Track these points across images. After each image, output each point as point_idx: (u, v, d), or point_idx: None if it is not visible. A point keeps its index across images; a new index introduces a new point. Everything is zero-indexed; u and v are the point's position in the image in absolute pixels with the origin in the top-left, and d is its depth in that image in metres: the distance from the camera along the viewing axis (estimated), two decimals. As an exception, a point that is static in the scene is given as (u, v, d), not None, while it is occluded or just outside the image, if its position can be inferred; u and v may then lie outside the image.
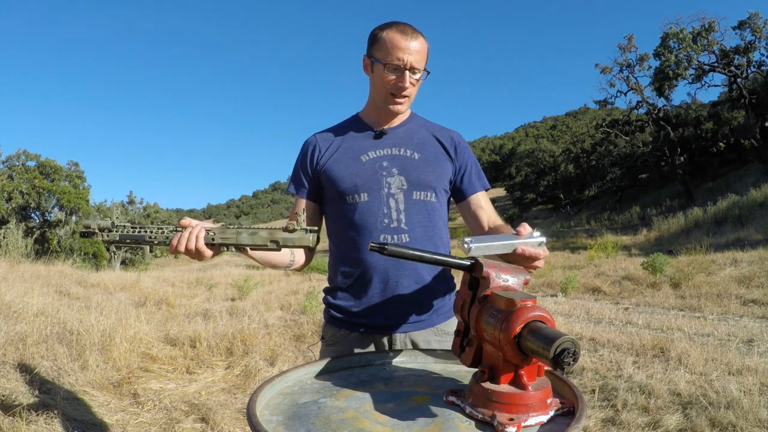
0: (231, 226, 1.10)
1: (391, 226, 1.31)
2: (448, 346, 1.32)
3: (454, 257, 0.96)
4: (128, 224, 1.12)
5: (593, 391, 3.45)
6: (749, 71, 22.65)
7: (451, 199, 1.48)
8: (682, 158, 25.50)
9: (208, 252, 1.09)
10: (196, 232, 1.08)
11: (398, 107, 1.36)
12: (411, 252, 0.92)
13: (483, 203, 1.42)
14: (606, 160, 28.77)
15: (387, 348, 1.35)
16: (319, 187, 1.42)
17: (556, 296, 8.37)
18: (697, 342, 4.49)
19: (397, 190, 1.34)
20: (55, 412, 2.77)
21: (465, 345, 0.92)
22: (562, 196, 34.56)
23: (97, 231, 1.10)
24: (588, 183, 32.03)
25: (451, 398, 0.89)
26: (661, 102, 25.20)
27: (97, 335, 4.02)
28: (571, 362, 0.69)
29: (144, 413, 3.13)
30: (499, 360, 0.82)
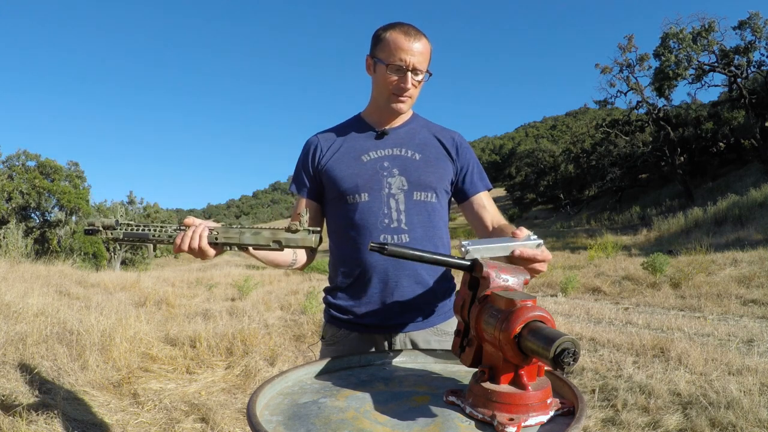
0: (234, 226, 1.11)
1: (392, 226, 1.32)
2: (448, 346, 1.32)
3: (454, 257, 0.96)
4: (132, 222, 1.12)
5: (593, 391, 3.45)
6: (749, 71, 22.66)
7: (454, 200, 1.48)
8: (682, 158, 25.50)
9: (211, 251, 1.09)
10: (200, 231, 1.08)
11: (400, 105, 1.36)
12: (411, 252, 0.92)
13: (486, 203, 1.42)
14: (606, 160, 28.78)
15: (387, 348, 1.35)
16: (321, 187, 1.42)
17: (556, 296, 8.37)
18: (697, 342, 4.49)
19: (398, 190, 1.34)
20: (55, 412, 2.77)
21: (465, 345, 0.92)
22: (562, 196, 34.57)
23: (101, 229, 1.10)
24: (588, 183, 32.04)
25: (451, 398, 0.89)
26: (661, 102, 25.23)
27: (97, 335, 4.02)
28: (571, 362, 0.69)
29: (144, 413, 3.13)
30: (499, 360, 0.82)
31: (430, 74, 1.36)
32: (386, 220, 1.32)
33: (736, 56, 22.34)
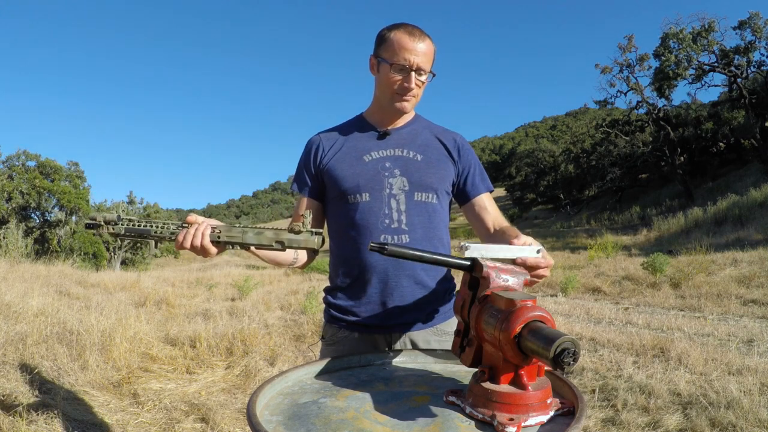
0: (237, 225, 1.11)
1: (392, 226, 1.32)
2: (448, 346, 1.32)
3: (454, 257, 0.95)
4: (134, 218, 1.12)
5: (593, 391, 3.45)
6: (749, 71, 22.65)
7: (455, 201, 1.48)
8: (682, 158, 25.51)
9: (213, 249, 1.09)
10: (202, 229, 1.08)
11: (404, 105, 1.36)
12: (411, 252, 0.92)
13: (487, 205, 1.42)
14: (606, 160, 28.79)
15: (387, 348, 1.35)
16: (322, 186, 1.42)
17: (556, 296, 8.38)
18: (697, 342, 4.49)
19: (399, 191, 1.34)
20: (55, 412, 2.77)
21: (465, 345, 0.92)
22: (562, 196, 34.57)
23: (102, 223, 1.10)
24: (588, 183, 32.05)
25: (451, 398, 0.89)
26: (661, 102, 25.22)
27: (97, 335, 4.02)
28: (571, 362, 0.69)
29: (144, 413, 3.13)
30: (499, 360, 0.82)
31: (434, 75, 1.36)
32: (387, 221, 1.32)
33: (736, 56, 22.33)
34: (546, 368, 0.88)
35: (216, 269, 15.86)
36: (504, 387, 0.82)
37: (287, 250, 1.12)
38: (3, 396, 2.90)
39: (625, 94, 25.47)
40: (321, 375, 1.10)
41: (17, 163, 20.49)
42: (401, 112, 1.39)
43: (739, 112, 24.06)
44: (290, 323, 5.71)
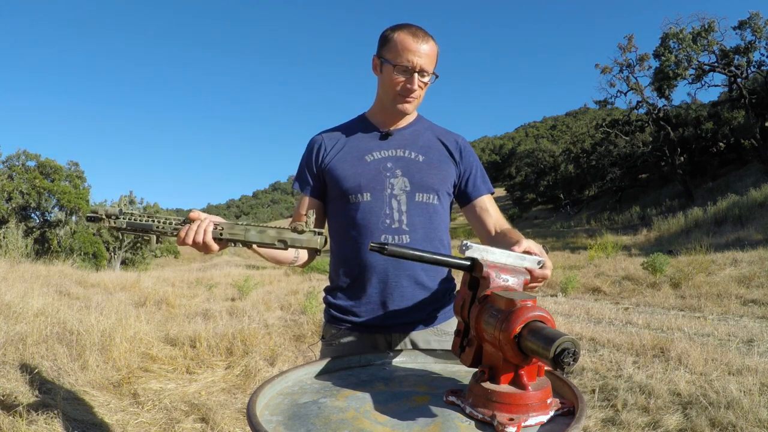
0: (239, 223, 1.10)
1: (393, 226, 1.32)
2: (448, 346, 1.32)
3: (454, 257, 0.95)
4: (136, 212, 1.12)
5: (593, 391, 3.45)
6: (749, 71, 22.66)
7: (456, 202, 1.48)
8: (682, 158, 25.51)
9: (215, 246, 1.09)
10: (204, 225, 1.08)
11: (406, 106, 1.36)
12: (411, 252, 0.92)
13: (488, 206, 1.42)
14: (606, 160, 28.80)
15: (387, 348, 1.35)
16: (324, 186, 1.42)
17: (556, 296, 8.38)
18: (697, 342, 4.49)
19: (400, 191, 1.34)
20: (55, 412, 2.77)
21: (465, 345, 0.92)
22: (562, 196, 34.59)
23: (103, 217, 1.10)
24: (588, 183, 32.06)
25: (451, 398, 0.89)
26: (661, 102, 25.24)
27: (97, 335, 4.02)
28: (571, 362, 0.69)
29: (144, 413, 3.13)
30: (499, 360, 0.82)
31: (437, 76, 1.36)
32: (387, 221, 1.32)
33: (736, 56, 22.34)
34: (546, 368, 0.88)
35: (216, 269, 15.87)
36: (504, 387, 0.82)
37: (288, 249, 1.12)
38: (3, 396, 2.90)
39: (625, 94, 25.49)
40: (321, 375, 1.10)
41: (17, 163, 20.50)
42: (403, 114, 1.39)
43: (739, 112, 24.07)
44: (290, 323, 5.71)
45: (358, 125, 1.45)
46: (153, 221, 1.10)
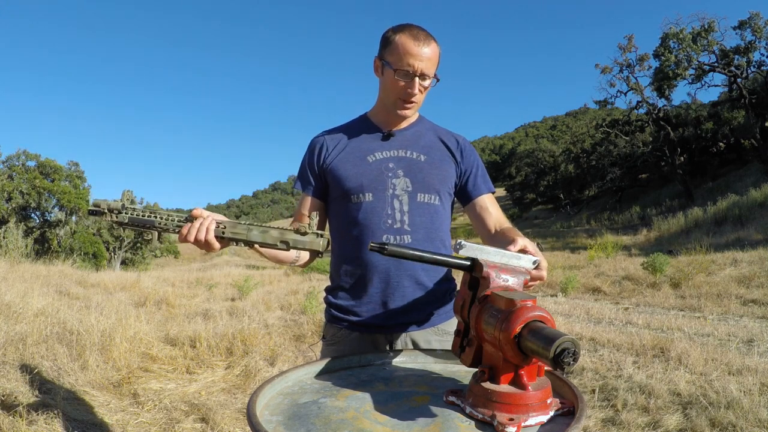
0: (242, 222, 1.10)
1: (394, 226, 1.32)
2: (449, 345, 1.32)
3: (454, 257, 0.95)
4: (138, 207, 1.11)
5: (593, 391, 3.45)
6: (749, 71, 22.66)
7: (458, 202, 1.49)
8: (682, 158, 25.51)
9: (217, 244, 1.09)
10: (207, 223, 1.08)
11: (405, 112, 1.37)
12: (411, 252, 0.92)
13: (488, 205, 1.43)
14: (606, 160, 28.79)
15: (388, 348, 1.35)
16: (326, 186, 1.42)
17: (556, 296, 8.38)
18: (697, 342, 4.49)
19: (402, 191, 1.35)
20: (56, 412, 2.77)
21: (465, 345, 0.92)
22: (562, 196, 34.58)
23: (106, 211, 1.09)
24: (588, 183, 32.06)
25: (451, 398, 0.89)
26: (661, 102, 25.24)
27: (97, 335, 4.02)
28: (571, 362, 0.69)
29: (144, 413, 3.13)
30: (499, 360, 0.82)
31: (438, 79, 1.36)
32: (389, 221, 1.32)
33: (736, 56, 22.34)
34: (546, 368, 0.88)
35: (216, 269, 15.88)
36: (504, 387, 0.82)
37: (290, 250, 1.11)
38: (3, 396, 2.90)
39: (625, 94, 25.49)
40: (321, 375, 1.10)
41: (17, 163, 20.51)
42: (403, 118, 1.40)
43: (739, 112, 24.07)
44: (290, 323, 5.71)
45: (360, 125, 1.46)
46: (156, 217, 1.10)
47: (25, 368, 3.32)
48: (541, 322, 0.77)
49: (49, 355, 3.62)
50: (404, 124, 1.44)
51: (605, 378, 3.69)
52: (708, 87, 24.49)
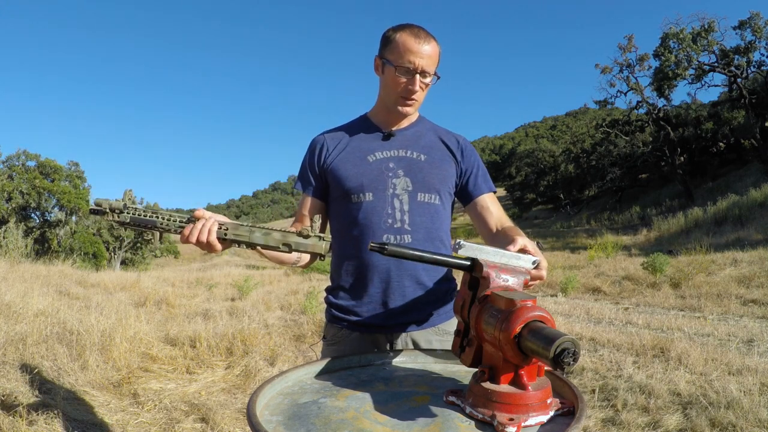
0: (245, 224, 1.10)
1: (395, 226, 1.32)
2: (449, 346, 1.32)
3: (454, 257, 0.95)
4: (140, 207, 1.11)
5: (593, 391, 3.45)
6: (749, 71, 22.66)
7: (459, 201, 1.49)
8: (682, 158, 25.51)
9: (219, 246, 1.09)
10: (209, 225, 1.08)
11: (407, 109, 1.37)
12: (411, 252, 0.92)
13: (489, 205, 1.43)
14: (606, 160, 28.79)
15: (388, 348, 1.35)
16: (326, 186, 1.43)
17: (556, 296, 8.38)
18: (697, 342, 4.50)
19: (402, 191, 1.35)
20: (56, 412, 2.77)
21: (465, 345, 0.92)
22: (562, 196, 34.58)
23: (107, 210, 1.09)
24: (588, 183, 32.06)
25: (451, 398, 0.89)
26: (661, 102, 25.24)
27: (97, 335, 4.02)
28: (571, 362, 0.69)
29: (144, 413, 3.13)
30: (499, 360, 0.82)
31: (438, 77, 1.36)
32: (390, 220, 1.33)
33: (736, 56, 22.34)
34: (546, 368, 0.88)
35: (216, 269, 15.88)
36: (504, 387, 0.82)
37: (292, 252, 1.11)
38: (3, 396, 2.90)
39: (625, 94, 25.49)
40: (321, 375, 1.10)
41: (17, 163, 20.51)
42: (404, 115, 1.40)
43: (739, 112, 24.07)
44: (290, 323, 5.71)
45: (360, 125, 1.46)
46: (157, 217, 1.09)
47: (25, 368, 3.32)
48: (541, 322, 0.77)
49: (49, 355, 3.62)
50: (404, 124, 1.44)
51: (605, 378, 3.69)
52: (708, 87, 24.52)
